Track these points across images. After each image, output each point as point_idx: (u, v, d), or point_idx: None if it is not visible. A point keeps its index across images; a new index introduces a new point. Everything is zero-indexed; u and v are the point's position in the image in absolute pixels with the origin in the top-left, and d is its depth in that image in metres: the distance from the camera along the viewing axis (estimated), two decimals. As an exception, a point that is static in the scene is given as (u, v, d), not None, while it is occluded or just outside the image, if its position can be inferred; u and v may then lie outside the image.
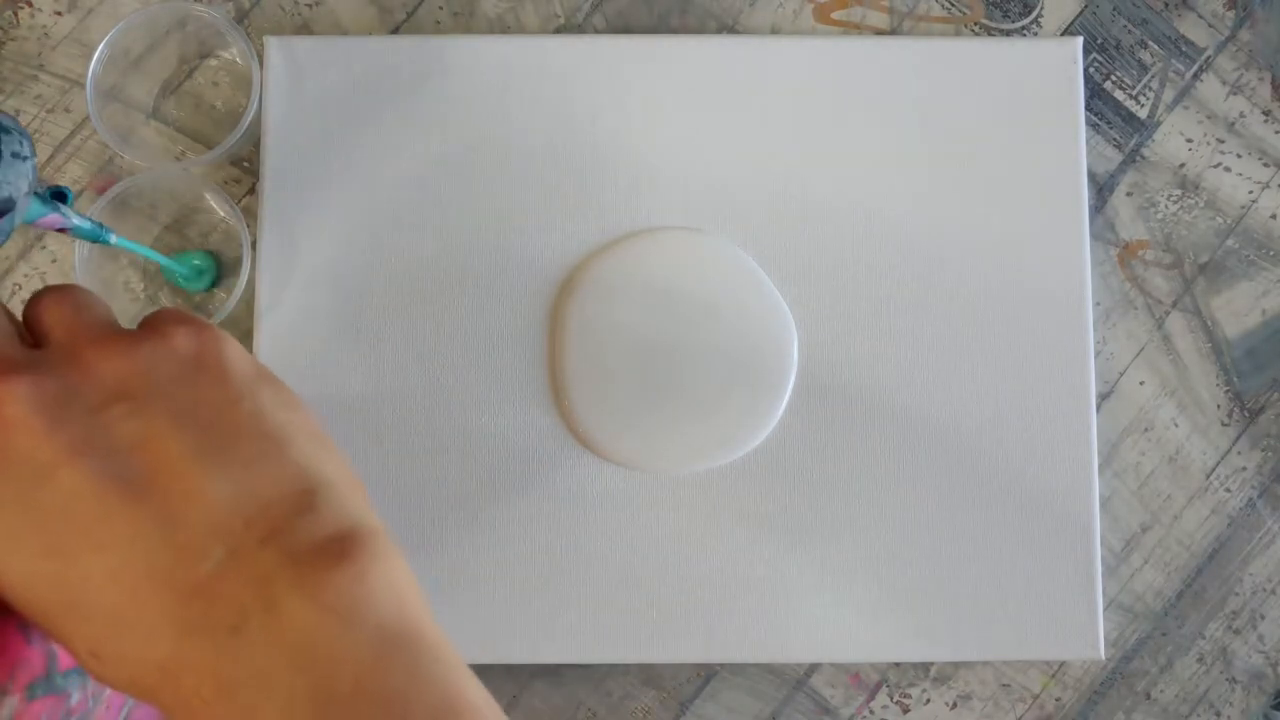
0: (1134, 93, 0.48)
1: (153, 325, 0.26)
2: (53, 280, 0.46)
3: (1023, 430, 0.45)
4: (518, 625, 0.44)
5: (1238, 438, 0.47)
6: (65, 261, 0.46)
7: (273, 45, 0.46)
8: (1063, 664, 0.46)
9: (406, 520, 0.44)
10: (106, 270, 0.45)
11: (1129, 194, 0.48)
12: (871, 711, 0.46)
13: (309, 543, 0.24)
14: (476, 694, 0.24)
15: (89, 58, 0.45)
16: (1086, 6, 0.49)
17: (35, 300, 0.26)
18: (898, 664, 0.46)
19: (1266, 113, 0.48)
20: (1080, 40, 0.47)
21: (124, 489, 0.23)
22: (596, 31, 0.48)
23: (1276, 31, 0.49)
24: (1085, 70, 0.48)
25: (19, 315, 0.27)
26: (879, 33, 0.48)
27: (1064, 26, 0.49)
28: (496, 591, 0.44)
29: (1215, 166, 0.48)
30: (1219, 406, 0.47)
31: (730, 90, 0.46)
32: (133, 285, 0.46)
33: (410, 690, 0.23)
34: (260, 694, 0.22)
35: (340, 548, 0.24)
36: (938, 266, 0.45)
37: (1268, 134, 0.48)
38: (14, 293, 0.46)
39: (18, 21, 0.47)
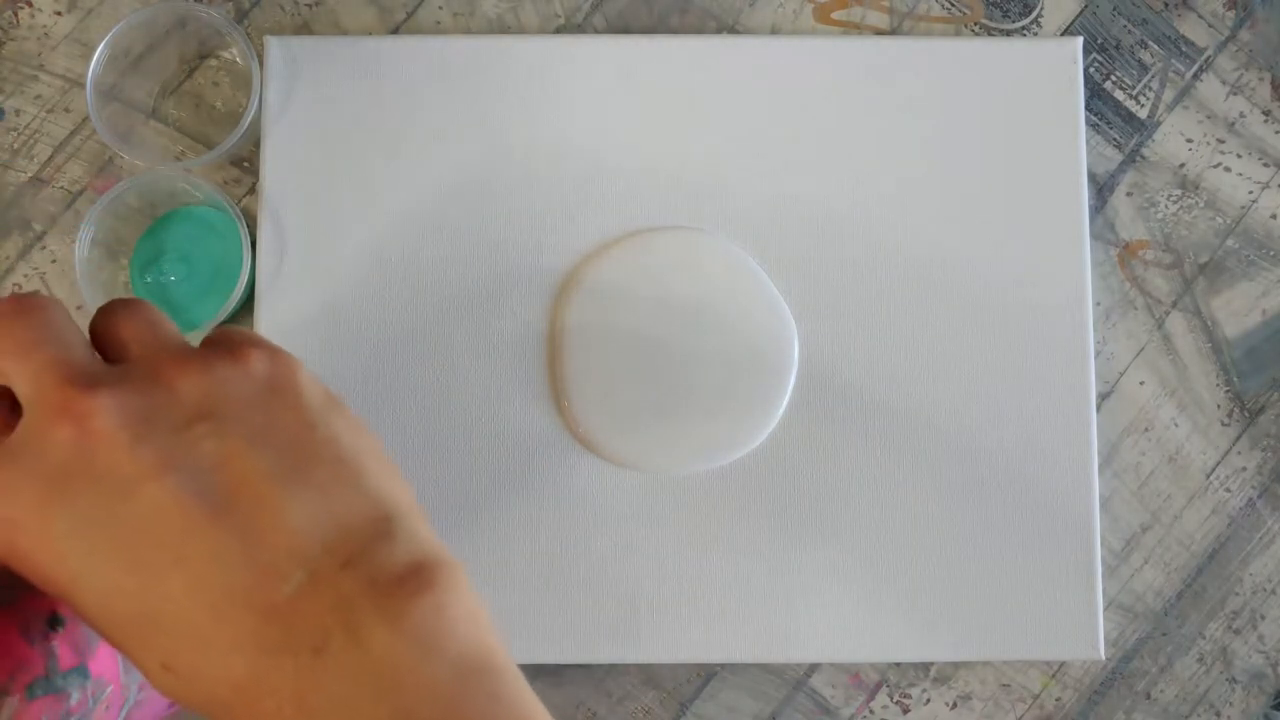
0: (1134, 93, 0.48)
1: (226, 347, 0.26)
2: (53, 281, 0.46)
3: (1023, 430, 0.45)
4: (518, 625, 0.44)
5: (1238, 438, 0.47)
6: (65, 261, 0.46)
7: (273, 45, 0.46)
8: (1063, 664, 0.46)
9: (406, 520, 0.44)
10: (107, 270, 0.45)
11: (1129, 194, 0.48)
12: (871, 711, 0.46)
13: (389, 570, 0.24)
14: (544, 715, 0.25)
15: (89, 58, 0.45)
16: (1086, 6, 0.49)
17: (108, 314, 0.26)
18: (898, 664, 0.46)
19: (1266, 113, 0.48)
20: (1080, 40, 0.47)
21: (207, 506, 0.23)
22: (596, 31, 0.48)
23: (1276, 31, 0.49)
24: (1085, 70, 0.48)
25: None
26: (879, 33, 0.48)
27: (1064, 26, 0.49)
28: (496, 591, 0.44)
29: (1215, 166, 0.48)
30: (1219, 406, 0.47)
31: (730, 90, 0.46)
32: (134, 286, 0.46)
33: (489, 717, 0.23)
34: (342, 717, 0.22)
35: (420, 577, 0.24)
36: (938, 266, 0.45)
37: (1268, 134, 0.48)
38: (14, 293, 0.46)
39: (18, 21, 0.47)
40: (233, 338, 0.27)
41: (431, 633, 0.23)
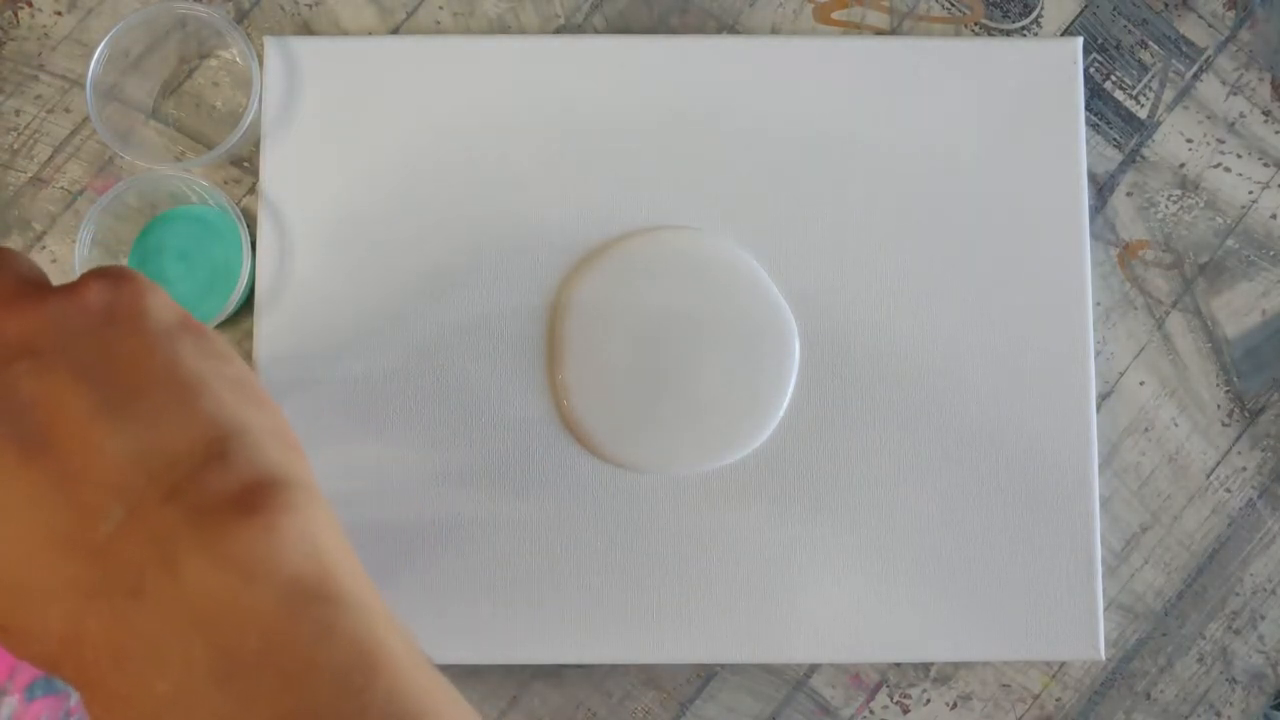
0: (1134, 93, 0.48)
1: (71, 282, 0.25)
2: (53, 281, 0.46)
3: (1023, 430, 0.45)
4: (518, 625, 0.44)
5: (1238, 438, 0.47)
6: (65, 261, 0.46)
7: (272, 45, 0.46)
8: (1063, 664, 0.46)
9: (406, 520, 0.44)
10: (106, 270, 0.45)
11: (1129, 194, 0.48)
12: (871, 711, 0.45)
13: (215, 496, 0.22)
14: (396, 646, 0.22)
15: (89, 58, 0.45)
16: (1086, 6, 0.49)
17: None
18: (898, 664, 0.46)
19: (1266, 113, 0.48)
20: (1080, 40, 0.47)
21: (21, 450, 0.22)
22: (596, 31, 0.48)
23: (1276, 31, 0.49)
24: (1085, 70, 0.48)
25: None
26: (879, 33, 0.48)
27: (1064, 26, 0.49)
28: (496, 591, 0.44)
29: (1215, 166, 0.48)
30: (1219, 406, 0.47)
31: (730, 90, 0.46)
32: (133, 285, 0.46)
33: (319, 649, 0.21)
34: (155, 662, 0.21)
35: (250, 499, 0.22)
36: (937, 266, 0.45)
37: (1268, 134, 0.48)
38: None
39: (18, 21, 0.47)
40: (87, 273, 0.25)
41: (257, 559, 0.21)
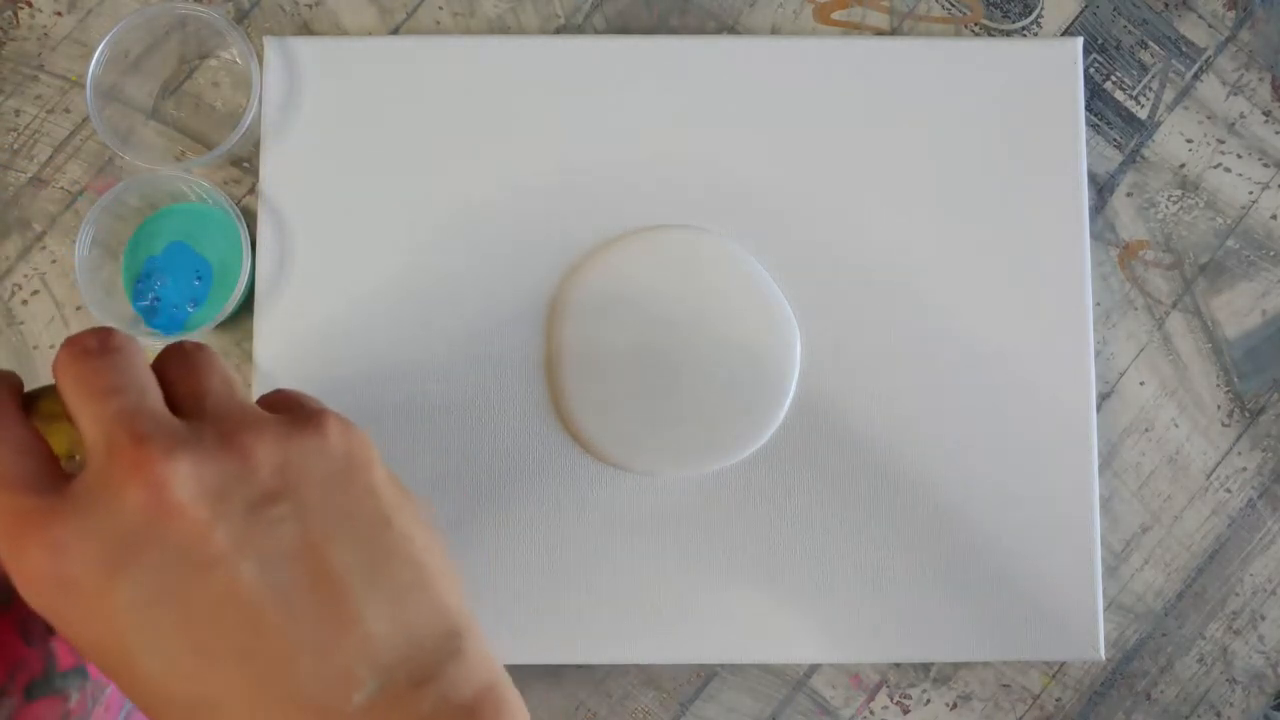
0: (1134, 93, 0.48)
1: (303, 415, 0.24)
2: (53, 281, 0.46)
3: (1023, 430, 0.45)
4: (518, 626, 0.44)
5: (1238, 438, 0.47)
6: (65, 262, 0.46)
7: (272, 45, 0.46)
8: (1063, 664, 0.46)
9: (406, 520, 0.44)
10: (107, 270, 0.45)
11: (1129, 194, 0.48)
12: (871, 712, 0.45)
13: (462, 694, 0.23)
14: None
15: (89, 58, 0.44)
16: (1086, 6, 0.49)
17: (181, 362, 0.24)
18: (898, 664, 0.46)
19: (1266, 113, 0.48)
20: (1080, 40, 0.47)
21: (283, 600, 0.22)
22: (596, 31, 0.48)
23: (1276, 31, 0.49)
24: (1085, 70, 0.48)
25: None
26: (879, 33, 0.48)
27: (1064, 27, 0.48)
28: (497, 593, 0.44)
29: (1215, 167, 0.48)
30: (1219, 407, 0.47)
31: (730, 90, 0.46)
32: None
33: None
34: None
35: (485, 703, 0.23)
36: (938, 266, 0.45)
37: (1268, 134, 0.48)
38: (13, 293, 0.46)
39: (18, 21, 0.47)
40: (304, 404, 0.25)
41: None
